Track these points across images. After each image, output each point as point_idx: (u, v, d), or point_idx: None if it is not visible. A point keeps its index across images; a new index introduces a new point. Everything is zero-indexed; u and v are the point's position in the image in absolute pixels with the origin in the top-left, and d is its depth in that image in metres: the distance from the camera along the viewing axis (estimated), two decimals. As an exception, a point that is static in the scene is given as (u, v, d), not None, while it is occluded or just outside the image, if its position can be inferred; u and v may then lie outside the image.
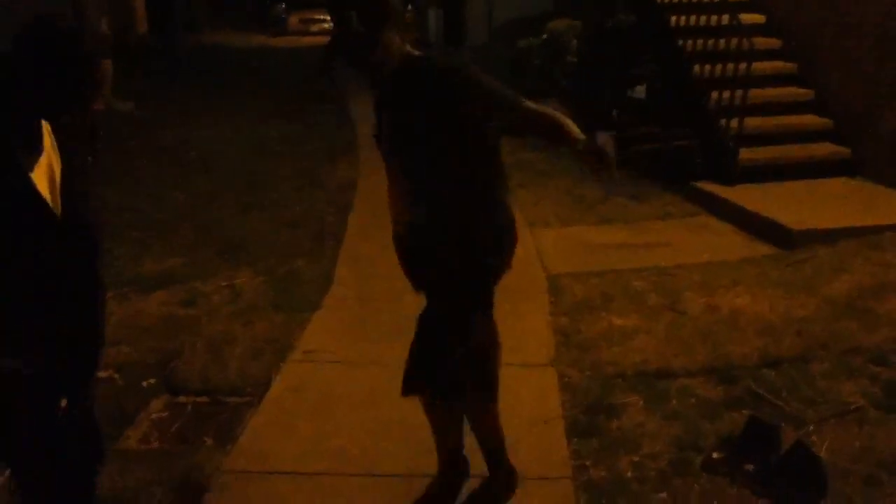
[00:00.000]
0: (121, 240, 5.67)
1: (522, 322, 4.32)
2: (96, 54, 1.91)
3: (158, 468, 3.05)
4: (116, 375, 3.82)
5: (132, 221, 6.16)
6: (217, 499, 2.87)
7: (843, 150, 6.84)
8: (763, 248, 5.50)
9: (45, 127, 1.91)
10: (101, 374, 3.80)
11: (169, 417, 3.51)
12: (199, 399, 3.65)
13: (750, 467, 2.94)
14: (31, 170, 1.86)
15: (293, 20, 25.55)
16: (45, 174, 1.89)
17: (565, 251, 5.57)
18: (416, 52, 2.44)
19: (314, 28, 24.26)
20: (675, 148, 7.94)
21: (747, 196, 6.25)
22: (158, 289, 4.82)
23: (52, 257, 1.92)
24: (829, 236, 5.37)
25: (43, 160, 1.90)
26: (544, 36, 11.48)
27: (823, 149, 6.92)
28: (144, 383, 3.77)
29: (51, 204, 1.89)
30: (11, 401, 1.93)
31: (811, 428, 3.24)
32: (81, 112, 1.95)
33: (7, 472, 2.84)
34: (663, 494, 2.86)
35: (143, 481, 2.97)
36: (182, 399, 3.66)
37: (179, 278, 5.01)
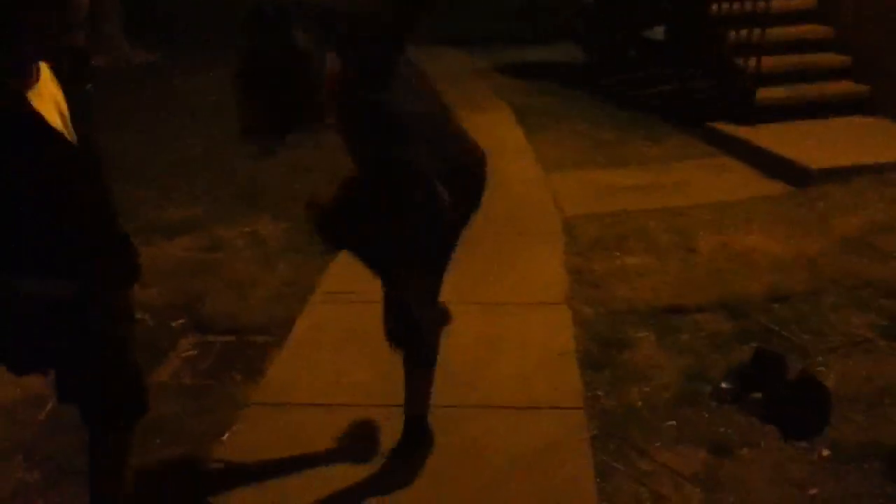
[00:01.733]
0: (142, 185, 5.79)
1: (537, 262, 4.42)
2: None
3: (190, 400, 3.21)
4: (146, 316, 3.96)
5: (152, 168, 6.28)
6: (246, 429, 3.02)
7: (862, 88, 6.78)
8: (778, 187, 5.53)
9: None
10: (132, 315, 3.97)
11: (198, 355, 3.65)
12: (226, 338, 3.79)
13: (757, 396, 3.04)
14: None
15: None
16: (52, 106, 1.97)
17: (580, 193, 5.62)
18: None
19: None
20: (693, 88, 7.90)
21: (764, 135, 6.25)
22: (182, 234, 4.96)
23: (73, 183, 2.02)
24: (844, 174, 5.38)
25: (44, 91, 1.96)
26: (560, -23, 11.33)
27: (842, 87, 6.87)
28: (174, 323, 3.91)
29: (65, 134, 1.99)
30: (53, 323, 2.05)
31: (819, 359, 3.33)
32: (67, 45, 1.96)
33: (53, 402, 3.01)
34: (672, 422, 2.97)
35: (175, 412, 3.12)
36: (210, 338, 3.80)
37: (202, 224, 5.14)
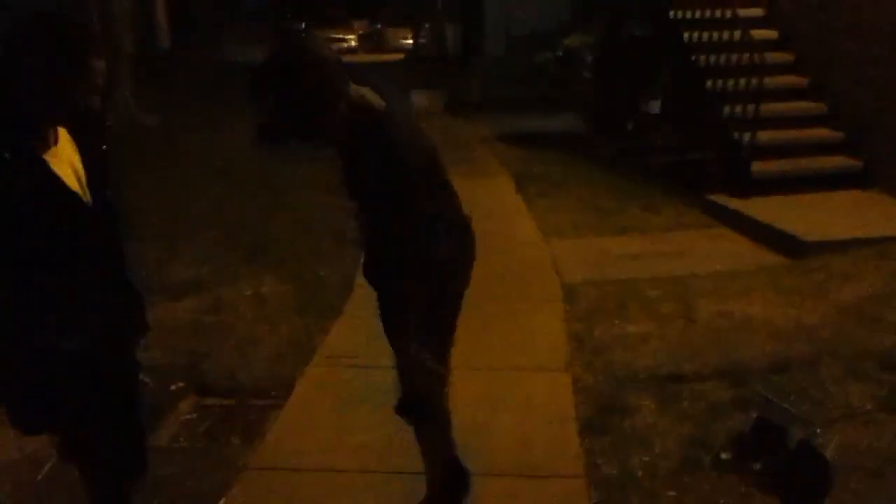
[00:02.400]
0: (147, 243, 5.85)
1: (537, 328, 4.45)
2: (85, 51, 1.97)
3: (188, 463, 3.20)
4: (146, 378, 3.96)
5: (158, 227, 6.35)
6: (243, 493, 3.00)
7: (856, 163, 6.92)
8: (775, 259, 5.59)
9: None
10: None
11: (197, 418, 3.65)
12: (225, 401, 3.79)
13: (757, 466, 3.03)
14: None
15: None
16: (68, 168, 2.04)
17: (580, 260, 5.68)
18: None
19: (334, 47, 24.51)
20: (690, 160, 8.06)
21: (760, 208, 6.35)
22: (186, 295, 4.99)
23: (88, 241, 2.08)
24: (840, 247, 5.45)
25: (61, 153, 2.04)
26: (559, 52, 11.65)
27: (836, 161, 7.00)
28: (173, 386, 3.91)
29: (80, 194, 2.06)
30: (64, 377, 2.08)
31: (818, 429, 3.32)
32: (83, 107, 2.03)
33: (51, 463, 3.00)
34: (673, 492, 2.96)
35: (172, 476, 3.10)
36: (209, 401, 3.80)
37: (206, 284, 5.17)
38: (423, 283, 2.36)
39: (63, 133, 2.07)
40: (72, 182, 2.04)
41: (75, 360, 2.06)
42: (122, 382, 2.26)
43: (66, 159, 2.05)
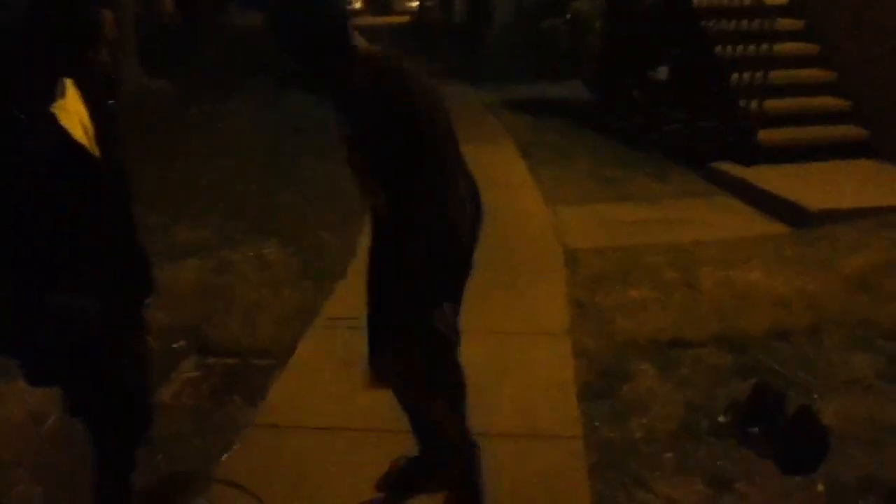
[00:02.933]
0: (153, 210, 5.84)
1: (539, 293, 4.45)
2: (91, 4, 1.97)
3: (191, 421, 3.23)
4: (149, 338, 3.98)
5: (164, 193, 6.35)
6: (246, 450, 3.04)
7: (863, 132, 6.87)
8: (779, 227, 5.58)
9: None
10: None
11: (200, 377, 3.67)
12: (228, 361, 3.81)
13: (755, 430, 3.05)
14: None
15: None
16: (76, 120, 2.02)
17: (584, 227, 5.67)
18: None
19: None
20: (697, 129, 8.00)
21: (766, 177, 6.32)
22: (190, 257, 5.00)
23: (97, 197, 2.08)
24: (846, 216, 5.43)
25: (69, 106, 2.02)
26: (568, 16, 11.52)
27: (843, 130, 6.95)
28: (175, 345, 3.93)
29: (89, 148, 2.04)
30: (74, 339, 2.09)
31: (817, 396, 3.35)
32: (91, 61, 2.04)
33: (55, 416, 3.03)
34: (670, 455, 2.98)
35: (176, 433, 3.14)
36: (212, 360, 3.82)
37: (210, 247, 5.19)
38: (443, 250, 2.29)
39: (70, 85, 2.05)
40: (79, 135, 2.03)
41: (86, 318, 2.07)
42: (129, 341, 2.28)
43: (73, 112, 2.04)
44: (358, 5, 28.75)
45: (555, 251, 5.18)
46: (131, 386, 2.32)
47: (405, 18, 25.95)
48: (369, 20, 25.70)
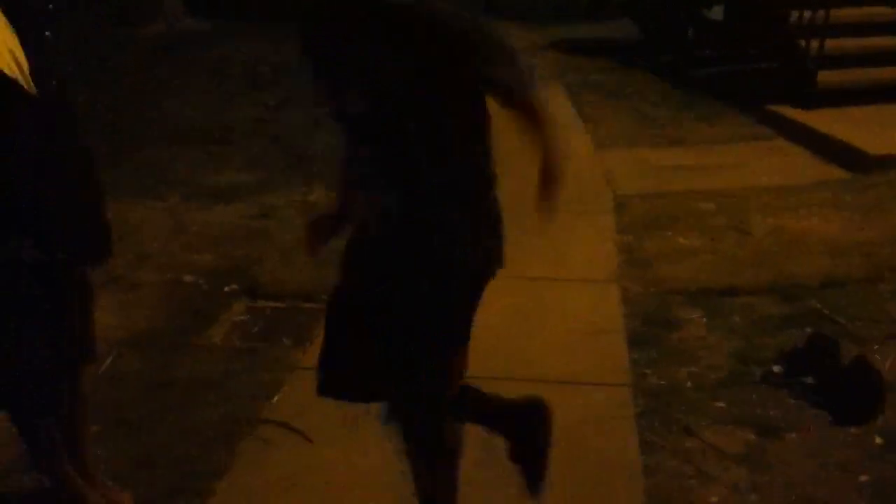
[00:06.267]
0: (193, 150, 5.91)
1: (587, 239, 4.40)
2: None
3: (240, 362, 3.28)
4: (200, 280, 4.05)
5: (203, 133, 6.38)
6: (295, 391, 3.08)
7: (930, 73, 6.57)
8: (837, 173, 5.40)
9: None
10: (187, 278, 4.07)
11: (249, 320, 3.72)
12: (275, 304, 3.85)
13: (809, 380, 2.99)
14: None
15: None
16: (6, 52, 1.85)
17: (633, 172, 5.56)
18: None
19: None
20: (752, 70, 7.73)
21: (824, 119, 6.09)
22: (235, 200, 5.04)
23: (36, 135, 1.92)
24: (906, 161, 5.23)
25: None
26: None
27: (907, 71, 6.65)
28: (226, 288, 3.98)
29: (23, 82, 1.87)
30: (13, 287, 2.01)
31: (875, 346, 3.26)
32: None
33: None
34: (720, 403, 2.95)
35: (226, 372, 3.20)
36: (260, 304, 3.87)
37: (252, 190, 5.22)
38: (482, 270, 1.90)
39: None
40: (11, 68, 1.85)
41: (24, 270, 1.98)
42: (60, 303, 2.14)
43: (1, 44, 1.86)
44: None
45: (603, 196, 5.09)
46: (40, 358, 2.16)
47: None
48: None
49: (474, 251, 1.89)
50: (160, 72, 8.22)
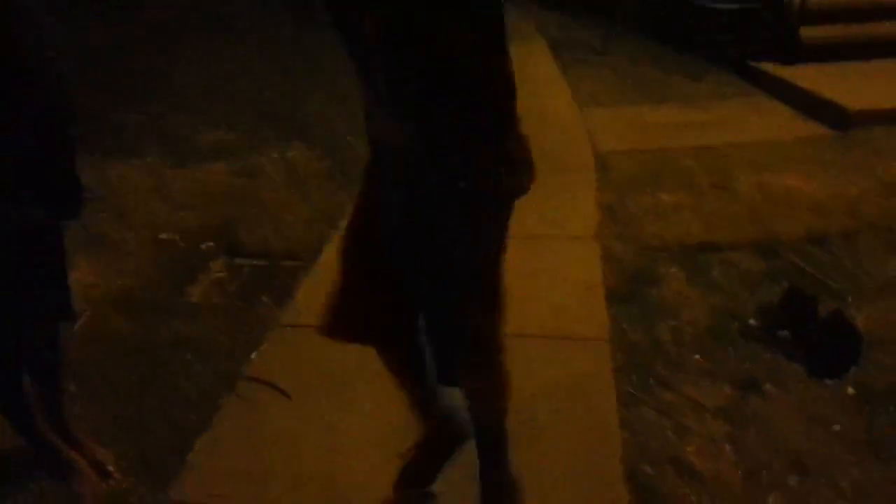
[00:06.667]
0: (176, 108, 5.81)
1: (569, 197, 4.38)
2: None
3: (220, 320, 3.27)
4: (177, 237, 4.02)
5: (187, 92, 6.29)
6: (275, 349, 3.07)
7: (913, 29, 6.54)
8: (819, 129, 5.39)
9: None
10: (164, 236, 4.03)
11: (228, 277, 3.70)
12: (256, 262, 3.82)
13: (786, 334, 3.02)
14: None
15: None
16: None
17: (616, 129, 5.53)
18: None
19: None
20: (736, 26, 7.65)
21: (807, 76, 6.07)
22: (215, 158, 4.98)
23: (13, 97, 1.89)
24: (888, 117, 5.22)
25: None
26: None
27: (891, 27, 6.62)
28: (203, 246, 3.95)
29: None
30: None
31: (851, 301, 3.29)
32: None
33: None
34: (698, 357, 2.97)
35: (206, 330, 3.18)
36: (240, 261, 3.84)
37: (235, 149, 5.15)
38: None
39: None
40: None
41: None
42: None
43: None
44: None
45: (585, 154, 5.07)
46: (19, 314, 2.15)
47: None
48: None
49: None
50: (137, 29, 8.05)
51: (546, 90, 6.41)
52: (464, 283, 1.90)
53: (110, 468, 2.45)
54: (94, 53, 6.85)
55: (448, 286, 1.90)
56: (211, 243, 3.94)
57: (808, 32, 6.46)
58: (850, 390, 2.73)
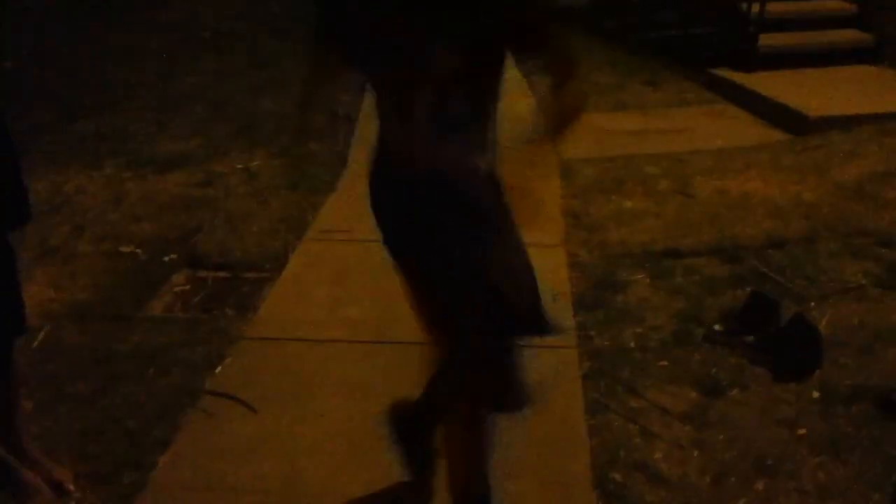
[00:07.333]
0: (135, 118, 5.72)
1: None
2: None
3: (183, 333, 3.21)
4: (139, 250, 3.95)
5: (144, 99, 6.19)
6: (238, 362, 3.03)
7: (867, 37, 6.67)
8: (778, 135, 5.48)
9: None
10: (124, 248, 3.96)
11: (191, 290, 3.64)
12: (219, 273, 3.77)
13: (749, 338, 3.05)
14: None
15: None
16: None
17: (578, 137, 5.51)
18: None
19: None
20: (695, 34, 7.77)
21: (765, 83, 6.17)
22: (176, 168, 4.90)
23: None
24: (844, 123, 5.32)
25: None
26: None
27: (846, 35, 6.76)
28: (166, 258, 3.89)
29: None
30: None
31: (812, 304, 3.34)
32: None
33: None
34: (664, 362, 2.99)
35: (168, 344, 3.12)
36: (202, 273, 3.78)
37: (195, 159, 5.08)
38: None
39: None
40: None
41: None
42: None
43: None
44: None
45: (549, 161, 5.08)
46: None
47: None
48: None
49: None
50: (103, 35, 7.92)
51: (508, 98, 6.41)
52: (462, 284, 1.92)
53: (70, 486, 2.39)
54: (62, 65, 6.75)
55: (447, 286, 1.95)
56: (173, 255, 3.88)
57: (766, 40, 6.56)
58: (815, 394, 2.77)
